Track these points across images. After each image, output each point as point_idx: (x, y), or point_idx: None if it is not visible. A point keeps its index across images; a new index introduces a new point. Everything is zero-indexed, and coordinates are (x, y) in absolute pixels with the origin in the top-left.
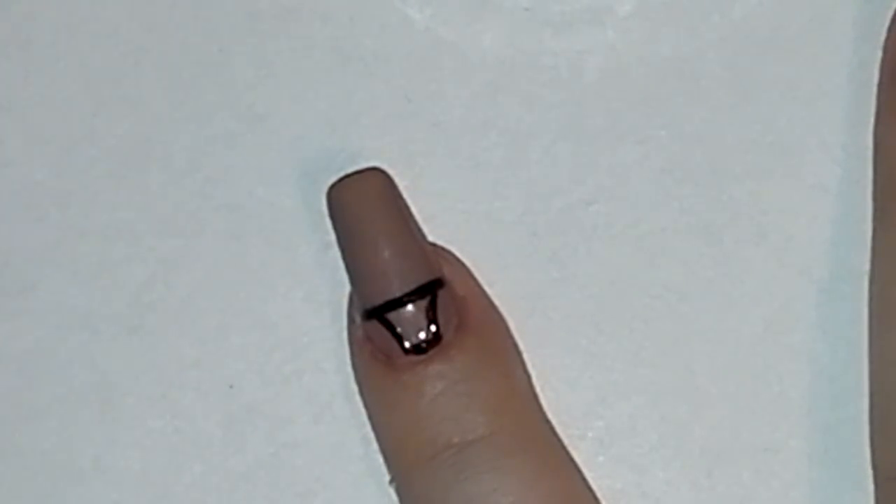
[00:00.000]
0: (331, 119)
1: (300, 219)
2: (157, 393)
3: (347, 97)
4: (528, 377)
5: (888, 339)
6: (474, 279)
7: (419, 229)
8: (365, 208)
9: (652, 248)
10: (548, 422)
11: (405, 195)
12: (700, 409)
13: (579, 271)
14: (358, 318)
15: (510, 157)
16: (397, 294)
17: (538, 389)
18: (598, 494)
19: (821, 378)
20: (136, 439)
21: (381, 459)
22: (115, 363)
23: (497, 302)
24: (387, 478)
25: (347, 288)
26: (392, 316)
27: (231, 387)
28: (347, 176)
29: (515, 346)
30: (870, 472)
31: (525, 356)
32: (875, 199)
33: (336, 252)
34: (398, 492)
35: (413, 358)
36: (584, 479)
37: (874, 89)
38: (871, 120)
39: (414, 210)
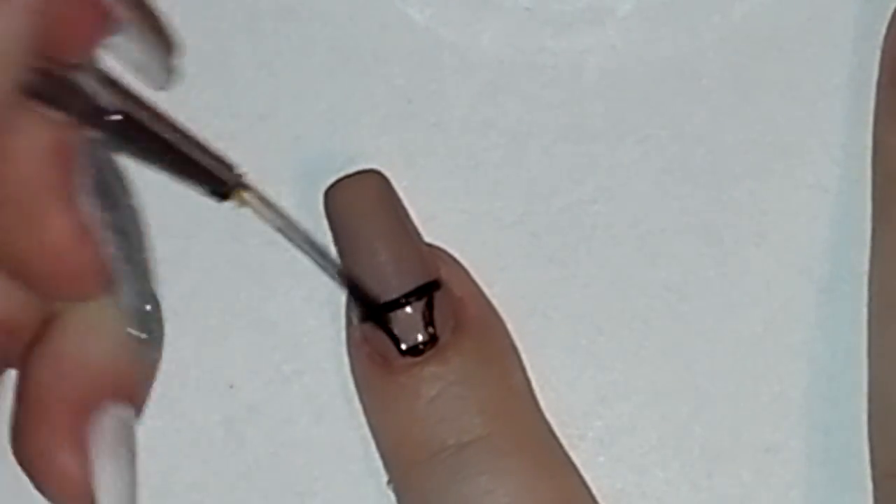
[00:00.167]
0: (331, 119)
1: (300, 219)
2: (158, 393)
3: (347, 97)
4: (527, 378)
5: (887, 338)
6: (472, 280)
7: (416, 231)
8: (361, 210)
9: (652, 248)
10: (546, 423)
11: (405, 195)
12: (700, 409)
13: (579, 271)
14: (355, 320)
15: (510, 157)
16: (394, 296)
17: (538, 389)
18: (598, 494)
19: (821, 378)
20: (136, 439)
21: (380, 460)
22: None
23: (497, 302)
24: (385, 478)
25: None
26: (388, 318)
27: (231, 387)
28: (344, 178)
29: (513, 346)
30: (870, 472)
31: (525, 356)
32: (874, 200)
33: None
34: (396, 493)
35: (409, 360)
36: (582, 480)
37: (874, 89)
38: (871, 120)
39: (414, 210)
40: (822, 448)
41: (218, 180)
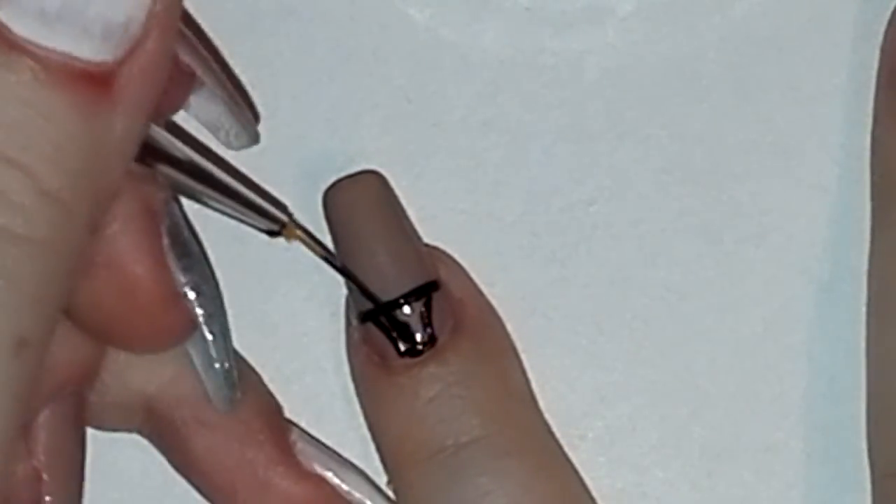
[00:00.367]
0: (331, 119)
1: (300, 219)
2: None
3: (347, 97)
4: (526, 379)
5: (886, 338)
6: (471, 281)
7: (414, 232)
8: (360, 212)
9: (652, 248)
10: (545, 423)
11: (405, 195)
12: (700, 409)
13: (579, 271)
14: (354, 321)
15: (510, 157)
16: (392, 297)
17: (538, 390)
18: (598, 494)
19: (821, 378)
20: (136, 439)
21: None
22: None
23: (496, 302)
24: (385, 478)
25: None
26: (387, 319)
27: None
28: (343, 179)
29: (512, 347)
30: (869, 472)
31: (525, 356)
32: (874, 200)
33: None
34: (395, 493)
35: (408, 360)
36: (581, 481)
37: (873, 89)
38: (871, 120)
39: (413, 210)
40: (822, 448)
41: (273, 220)
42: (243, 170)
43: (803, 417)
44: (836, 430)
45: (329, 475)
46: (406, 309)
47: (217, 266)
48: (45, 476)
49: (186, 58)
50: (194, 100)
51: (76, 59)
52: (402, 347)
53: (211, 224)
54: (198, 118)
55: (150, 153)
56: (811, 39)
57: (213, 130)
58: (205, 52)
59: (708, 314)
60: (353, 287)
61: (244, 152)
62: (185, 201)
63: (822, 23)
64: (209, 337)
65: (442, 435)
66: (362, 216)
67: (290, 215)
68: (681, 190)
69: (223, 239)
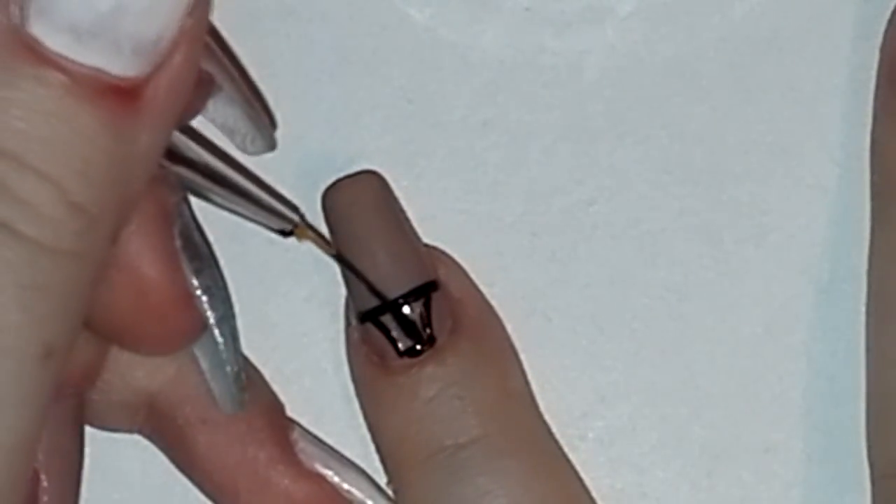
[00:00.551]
0: (331, 119)
1: None
2: None
3: (347, 97)
4: (525, 379)
5: (886, 337)
6: (470, 281)
7: (414, 232)
8: (359, 212)
9: (652, 248)
10: (544, 423)
11: (404, 195)
12: (700, 409)
13: (579, 271)
14: (354, 321)
15: (510, 157)
16: (392, 297)
17: (538, 390)
18: (598, 495)
19: (821, 378)
20: (136, 439)
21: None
22: None
23: (496, 302)
24: (385, 478)
25: None
26: (386, 319)
27: None
28: (342, 179)
29: (512, 347)
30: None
31: (525, 357)
32: (873, 200)
33: None
34: (395, 493)
35: (407, 361)
36: (580, 481)
37: (873, 89)
38: (871, 120)
39: (413, 210)
40: (822, 448)
41: (286, 220)
42: (244, 165)
43: (803, 417)
44: (836, 430)
45: (330, 474)
46: (405, 309)
47: None
48: (43, 476)
49: (206, 63)
50: (212, 104)
51: (106, 73)
52: (402, 348)
53: (211, 224)
54: (214, 122)
55: (164, 154)
56: (811, 39)
57: (230, 135)
58: (224, 58)
59: (708, 314)
60: (353, 287)
61: (240, 156)
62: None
63: (822, 23)
64: (220, 340)
65: (441, 435)
66: (362, 216)
67: (301, 216)
68: (681, 190)
69: (223, 239)
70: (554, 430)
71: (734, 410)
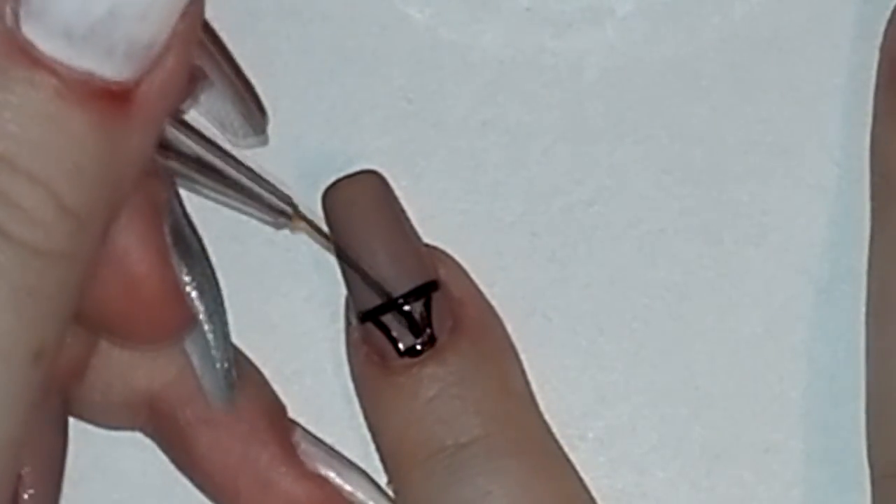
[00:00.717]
0: (331, 119)
1: None
2: None
3: (347, 97)
4: (525, 379)
5: (886, 338)
6: (470, 281)
7: (414, 232)
8: (359, 212)
9: (652, 248)
10: (544, 423)
11: (405, 195)
12: (700, 409)
13: (579, 271)
14: (354, 321)
15: (510, 157)
16: (392, 297)
17: (538, 390)
18: (598, 494)
19: (821, 378)
20: (136, 439)
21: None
22: None
23: (496, 302)
24: (385, 478)
25: None
26: (387, 318)
27: None
28: (342, 179)
29: (512, 347)
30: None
31: (525, 357)
32: (873, 200)
33: None
34: (395, 493)
35: (408, 360)
36: (580, 481)
37: (873, 89)
38: (871, 120)
39: (414, 210)
40: (822, 448)
41: (278, 212)
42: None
43: (803, 417)
44: (836, 430)
45: (331, 475)
46: (406, 309)
47: (217, 266)
48: (24, 472)
49: (198, 58)
50: (204, 97)
51: (97, 77)
52: (402, 347)
53: (211, 224)
54: (207, 115)
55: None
56: (811, 39)
57: (222, 128)
58: (216, 52)
59: (708, 314)
60: (354, 287)
61: (244, 152)
62: (185, 200)
63: (822, 23)
64: (210, 336)
65: (441, 435)
66: (362, 216)
67: (294, 206)
68: (681, 190)
69: (223, 239)
70: (554, 430)
71: (734, 410)
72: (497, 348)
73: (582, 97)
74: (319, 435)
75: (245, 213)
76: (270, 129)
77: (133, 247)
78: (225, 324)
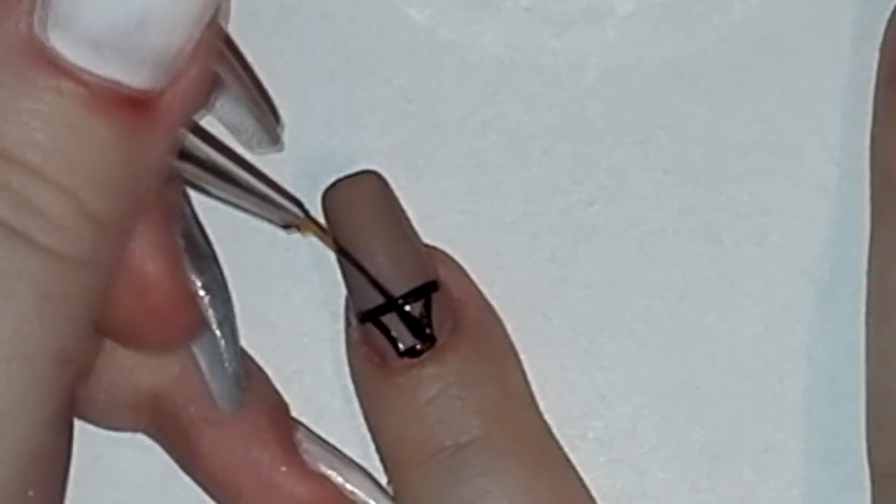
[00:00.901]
0: (331, 119)
1: None
2: None
3: (347, 97)
4: (525, 379)
5: (886, 338)
6: (470, 281)
7: (414, 232)
8: (359, 212)
9: (652, 248)
10: (544, 424)
11: (404, 195)
12: (700, 409)
13: (579, 271)
14: (354, 321)
15: (510, 157)
16: (392, 297)
17: (538, 390)
18: (598, 494)
19: (821, 378)
20: (137, 439)
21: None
22: None
23: (496, 302)
24: (385, 478)
25: None
26: (387, 319)
27: None
28: (341, 180)
29: (512, 347)
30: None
31: (525, 357)
32: (873, 200)
33: None
34: (395, 493)
35: (407, 361)
36: (580, 481)
37: (873, 89)
38: (870, 120)
39: (413, 210)
40: (822, 448)
41: (289, 215)
42: (247, 160)
43: (803, 417)
44: (836, 430)
45: (333, 475)
46: (406, 309)
47: None
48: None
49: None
50: (219, 102)
51: (123, 85)
52: (402, 348)
53: (212, 223)
54: (221, 120)
55: None
56: (811, 39)
57: (236, 133)
58: (231, 58)
59: (708, 314)
60: (354, 287)
61: (244, 152)
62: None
63: (822, 23)
64: (220, 339)
65: (441, 435)
66: (362, 216)
67: (305, 211)
68: (681, 190)
69: (224, 238)
70: (554, 430)
71: (734, 410)
72: (497, 348)
73: (582, 97)
74: (319, 435)
75: (256, 216)
76: None
77: (145, 251)
78: (235, 329)
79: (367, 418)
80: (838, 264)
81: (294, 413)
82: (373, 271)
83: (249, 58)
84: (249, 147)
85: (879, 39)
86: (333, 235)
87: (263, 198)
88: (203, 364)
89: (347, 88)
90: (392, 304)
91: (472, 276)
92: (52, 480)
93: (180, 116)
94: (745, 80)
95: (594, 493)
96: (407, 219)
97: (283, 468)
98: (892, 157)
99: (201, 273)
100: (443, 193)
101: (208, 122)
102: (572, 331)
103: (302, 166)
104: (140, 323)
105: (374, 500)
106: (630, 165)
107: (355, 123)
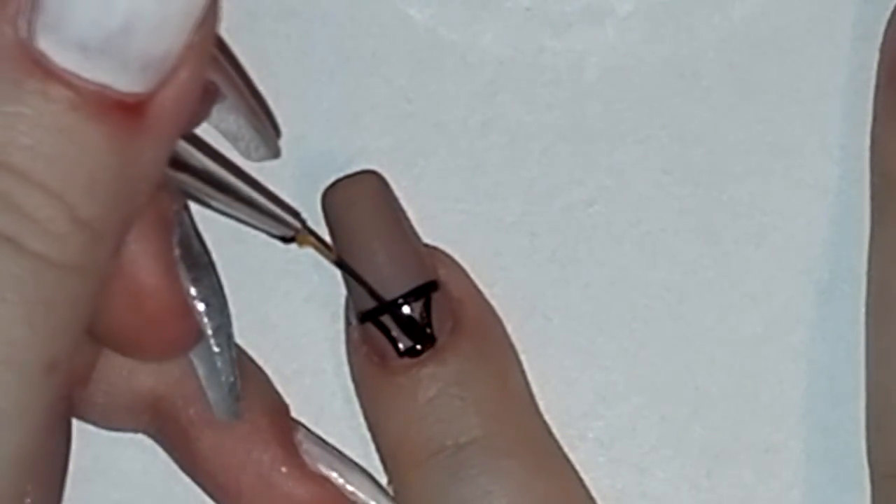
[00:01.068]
0: (331, 119)
1: None
2: None
3: (347, 97)
4: (525, 379)
5: (886, 338)
6: (470, 281)
7: (414, 232)
8: (359, 212)
9: (652, 248)
10: (544, 424)
11: (404, 195)
12: (700, 409)
13: (579, 271)
14: (354, 321)
15: (510, 157)
16: (392, 297)
17: (537, 390)
18: (598, 494)
19: (821, 378)
20: (137, 439)
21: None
22: None
23: (496, 302)
24: (385, 478)
25: None
26: (386, 319)
27: None
28: (341, 180)
29: (512, 347)
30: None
31: (525, 357)
32: (873, 200)
33: None
34: (395, 493)
35: (407, 361)
36: (580, 481)
37: (873, 90)
38: (870, 120)
39: (413, 210)
40: (822, 448)
41: (287, 226)
42: (246, 171)
43: (803, 417)
44: (836, 430)
45: (334, 475)
46: (406, 309)
47: (218, 266)
48: None
49: (210, 72)
50: (216, 111)
51: (112, 89)
52: (402, 347)
53: (211, 224)
54: (218, 129)
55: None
56: (811, 39)
57: (234, 142)
58: (227, 66)
59: (708, 314)
60: (354, 287)
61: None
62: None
63: (822, 23)
64: (216, 349)
65: (441, 435)
66: (361, 216)
67: (303, 222)
68: (681, 190)
69: (224, 239)
70: (554, 430)
71: (734, 410)
72: (497, 348)
73: (582, 97)
74: (319, 435)
75: (253, 226)
76: None
77: (141, 259)
78: (231, 337)
79: (367, 418)
80: (838, 264)
81: (294, 413)
82: (373, 271)
83: (250, 58)
84: (247, 156)
85: (879, 39)
86: (332, 237)
87: (261, 209)
88: (200, 372)
89: (347, 88)
90: (390, 307)
91: (472, 276)
92: (50, 483)
93: (172, 121)
94: (745, 80)
95: (594, 493)
96: (407, 219)
97: (284, 469)
98: (892, 157)
99: (198, 283)
100: (443, 193)
101: (205, 132)
102: (572, 331)
103: (302, 166)
104: (136, 332)
105: (375, 500)
106: (630, 165)
107: (355, 123)
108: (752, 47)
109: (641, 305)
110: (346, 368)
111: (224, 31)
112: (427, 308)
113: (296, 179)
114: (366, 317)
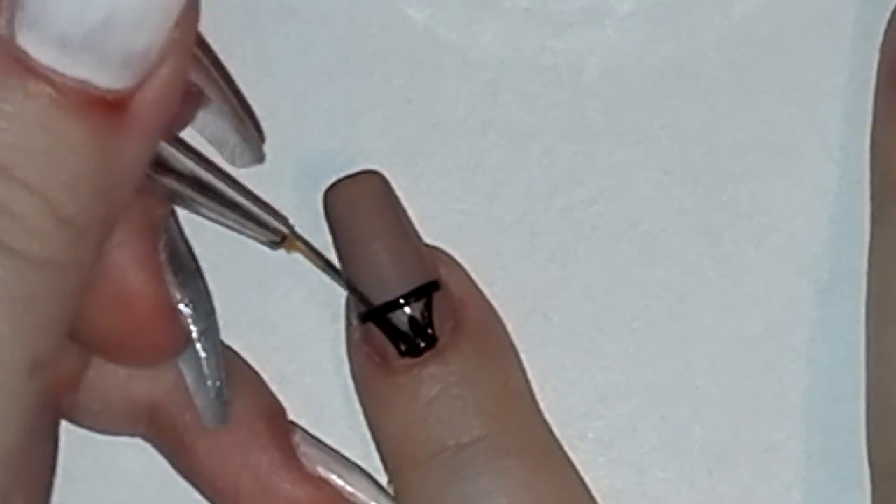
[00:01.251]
0: (331, 119)
1: (300, 219)
2: None
3: (347, 97)
4: (526, 379)
5: (886, 339)
6: (471, 281)
7: (415, 232)
8: (360, 212)
9: (652, 248)
10: (545, 423)
11: (405, 195)
12: (700, 409)
13: (579, 271)
14: (355, 321)
15: (510, 157)
16: (393, 297)
17: (538, 390)
18: (598, 494)
19: (821, 378)
20: (135, 440)
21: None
22: None
23: (496, 302)
24: (385, 478)
25: None
26: (388, 319)
27: None
28: (343, 179)
29: (513, 347)
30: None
31: (525, 357)
32: (873, 200)
33: None
34: (396, 493)
35: (409, 361)
36: (581, 481)
37: (873, 90)
38: (870, 120)
39: (413, 210)
40: (822, 448)
41: (274, 232)
42: (243, 173)
43: (803, 417)
44: (836, 430)
45: (332, 477)
46: (406, 309)
47: (217, 266)
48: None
49: (195, 76)
50: (201, 116)
51: (93, 86)
52: (403, 347)
53: (211, 225)
54: (203, 134)
55: (152, 165)
56: (811, 39)
57: (219, 147)
58: (213, 70)
59: (708, 314)
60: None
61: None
62: (181, 211)
63: (822, 23)
64: (202, 354)
65: (442, 435)
66: (363, 216)
67: (290, 228)
68: (681, 190)
69: (223, 239)
70: (554, 430)
71: (734, 410)
72: (498, 348)
73: (582, 97)
74: (319, 435)
75: (241, 232)
76: (271, 129)
77: (127, 264)
78: (217, 342)
79: (367, 418)
80: (838, 264)
81: (294, 414)
82: (374, 271)
83: (250, 58)
84: (232, 162)
85: (879, 39)
86: (333, 237)
87: (249, 215)
88: (188, 378)
89: (347, 88)
90: (390, 307)
91: (473, 276)
92: (36, 485)
93: (155, 118)
94: (745, 80)
95: (594, 493)
96: (408, 218)
97: (282, 472)
98: (892, 157)
99: (184, 287)
100: (443, 193)
101: (192, 138)
102: (572, 331)
103: (302, 166)
104: (122, 338)
105: (375, 501)
106: (630, 165)
107: (355, 123)
108: (752, 47)
109: (641, 305)
110: (346, 368)
111: (224, 31)
112: (428, 308)
113: (296, 179)
114: (367, 317)
